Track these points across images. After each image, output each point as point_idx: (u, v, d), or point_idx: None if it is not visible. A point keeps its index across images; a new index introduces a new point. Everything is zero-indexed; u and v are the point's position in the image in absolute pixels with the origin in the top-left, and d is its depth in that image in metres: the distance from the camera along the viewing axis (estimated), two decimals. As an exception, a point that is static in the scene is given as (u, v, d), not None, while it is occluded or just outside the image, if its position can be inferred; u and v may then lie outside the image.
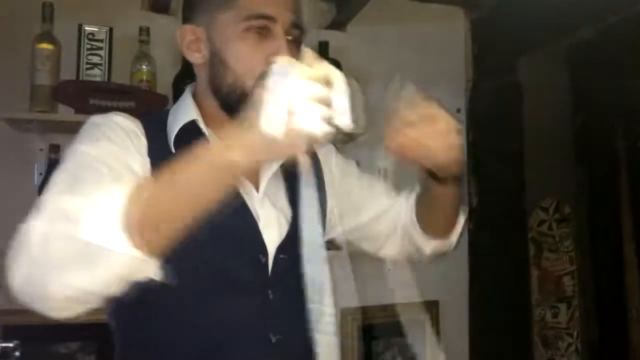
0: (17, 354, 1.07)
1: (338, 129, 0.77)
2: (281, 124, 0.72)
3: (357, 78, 0.84)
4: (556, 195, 2.28)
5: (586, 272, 2.15)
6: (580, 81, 2.27)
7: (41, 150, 1.96)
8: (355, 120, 0.79)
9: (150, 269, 0.78)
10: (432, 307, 2.30)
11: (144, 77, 1.97)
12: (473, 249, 2.35)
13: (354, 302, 1.25)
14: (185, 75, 2.05)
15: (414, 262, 1.29)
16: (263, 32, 1.02)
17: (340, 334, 2.13)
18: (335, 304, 1.13)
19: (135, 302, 0.90)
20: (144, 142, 1.00)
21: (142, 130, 1.02)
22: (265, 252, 1.04)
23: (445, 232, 1.23)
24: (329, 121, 0.75)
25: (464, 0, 2.48)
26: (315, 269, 0.95)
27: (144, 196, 0.76)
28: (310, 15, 2.36)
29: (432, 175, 1.09)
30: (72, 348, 1.90)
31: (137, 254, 0.74)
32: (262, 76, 0.78)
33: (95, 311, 1.98)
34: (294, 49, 1.04)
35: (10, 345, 1.10)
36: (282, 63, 0.77)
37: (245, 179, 1.03)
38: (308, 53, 0.81)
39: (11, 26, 1.95)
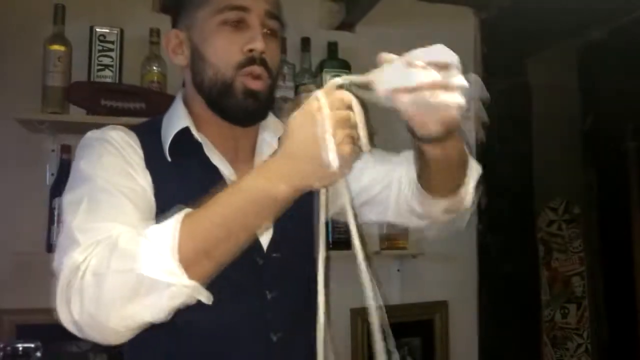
0: (38, 354, 1.08)
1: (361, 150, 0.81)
2: (341, 151, 0.76)
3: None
4: (565, 196, 2.28)
5: (596, 273, 2.15)
6: (589, 82, 2.26)
7: (53, 150, 1.97)
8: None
9: (203, 295, 0.83)
10: (441, 308, 2.31)
11: (155, 78, 1.99)
12: (482, 249, 2.34)
13: (363, 301, 1.23)
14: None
15: (432, 227, 1.17)
16: (239, 25, 1.02)
17: (350, 333, 2.15)
18: (327, 302, 1.07)
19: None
20: (140, 154, 1.02)
21: (138, 143, 1.03)
22: (262, 254, 1.04)
23: (453, 190, 1.06)
24: (355, 143, 0.80)
25: (473, 1, 2.48)
26: (307, 266, 0.97)
27: (195, 228, 0.80)
28: (319, 16, 2.38)
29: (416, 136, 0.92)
30: (84, 347, 1.91)
31: (194, 284, 0.79)
32: (296, 105, 0.82)
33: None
34: (271, 39, 1.06)
35: (32, 345, 1.11)
36: (315, 92, 0.80)
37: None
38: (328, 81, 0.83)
39: (23, 28, 1.97)
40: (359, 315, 2.10)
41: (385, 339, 1.03)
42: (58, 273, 0.86)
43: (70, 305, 0.82)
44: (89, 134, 1.07)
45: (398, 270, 2.29)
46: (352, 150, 0.78)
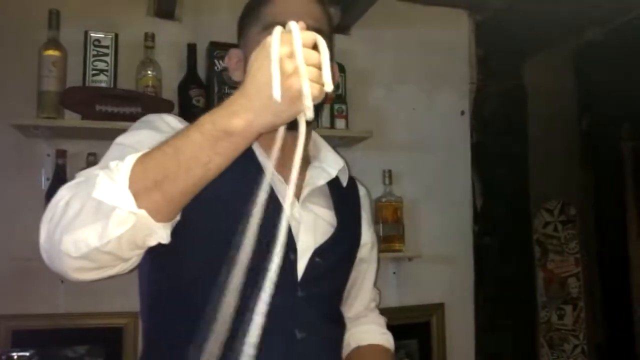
0: (34, 362, 1.08)
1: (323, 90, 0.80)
2: (279, 86, 0.76)
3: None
4: (561, 197, 2.28)
5: (592, 274, 2.15)
6: (585, 83, 2.27)
7: (48, 155, 1.97)
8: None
9: (158, 232, 0.84)
10: (438, 310, 2.31)
11: (150, 83, 1.98)
12: (478, 251, 2.35)
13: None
14: (190, 81, 2.07)
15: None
16: None
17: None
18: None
19: (166, 299, 1.02)
20: None
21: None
22: (295, 250, 1.08)
23: None
24: (318, 82, 0.78)
25: (468, 3, 2.48)
26: (342, 269, 1.08)
27: (150, 159, 0.82)
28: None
29: None
30: (80, 352, 1.91)
31: (141, 213, 0.80)
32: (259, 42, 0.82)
33: (102, 316, 2.00)
34: None
35: (27, 354, 1.11)
36: (277, 31, 0.79)
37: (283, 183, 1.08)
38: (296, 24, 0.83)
39: (18, 33, 1.97)
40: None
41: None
42: None
43: (41, 232, 0.86)
44: (148, 115, 1.14)
45: (394, 272, 2.29)
46: (302, 85, 0.76)
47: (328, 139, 1.34)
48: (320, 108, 0.90)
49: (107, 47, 1.98)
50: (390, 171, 2.24)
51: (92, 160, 1.94)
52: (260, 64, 0.78)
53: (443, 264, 2.29)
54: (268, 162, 1.05)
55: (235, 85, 2.08)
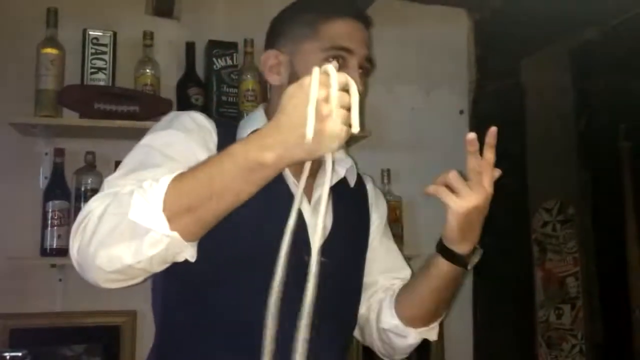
0: (26, 362, 1.08)
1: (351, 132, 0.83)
2: (312, 127, 0.79)
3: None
4: (560, 196, 2.28)
5: (590, 273, 2.14)
6: (583, 82, 2.26)
7: (46, 154, 1.97)
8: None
9: (187, 251, 0.90)
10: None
11: (148, 81, 1.98)
12: (477, 250, 2.34)
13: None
14: (188, 79, 2.07)
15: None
16: (340, 63, 1.11)
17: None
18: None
19: (178, 295, 1.06)
20: (214, 138, 1.10)
21: (215, 129, 1.11)
22: (309, 253, 1.07)
23: (425, 322, 1.22)
24: (348, 124, 0.82)
25: (466, 2, 2.48)
26: (353, 272, 1.15)
27: (184, 184, 0.86)
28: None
29: (446, 252, 1.13)
30: (78, 351, 1.91)
31: (174, 235, 0.85)
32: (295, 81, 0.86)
33: (100, 314, 1.99)
34: (364, 78, 1.17)
35: (19, 354, 1.12)
36: (316, 74, 0.82)
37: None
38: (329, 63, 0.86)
39: (16, 31, 1.97)
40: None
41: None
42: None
43: (74, 243, 0.90)
44: (174, 112, 1.18)
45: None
46: (334, 127, 0.80)
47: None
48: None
49: (105, 45, 1.98)
50: (389, 170, 2.24)
51: (90, 159, 1.94)
52: (297, 103, 0.81)
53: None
54: (289, 171, 1.11)
55: (234, 84, 2.09)
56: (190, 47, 2.09)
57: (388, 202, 2.20)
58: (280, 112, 0.84)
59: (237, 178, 0.85)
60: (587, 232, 2.18)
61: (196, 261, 0.93)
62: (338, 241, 1.14)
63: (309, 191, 1.15)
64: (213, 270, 1.03)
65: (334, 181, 1.18)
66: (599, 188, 2.19)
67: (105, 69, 1.97)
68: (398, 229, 2.17)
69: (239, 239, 1.02)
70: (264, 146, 0.83)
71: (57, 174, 1.92)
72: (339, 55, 1.12)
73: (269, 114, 1.17)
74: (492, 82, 2.45)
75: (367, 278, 1.28)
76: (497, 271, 2.25)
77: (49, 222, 1.86)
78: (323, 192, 0.87)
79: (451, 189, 1.06)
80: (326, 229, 1.14)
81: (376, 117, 2.28)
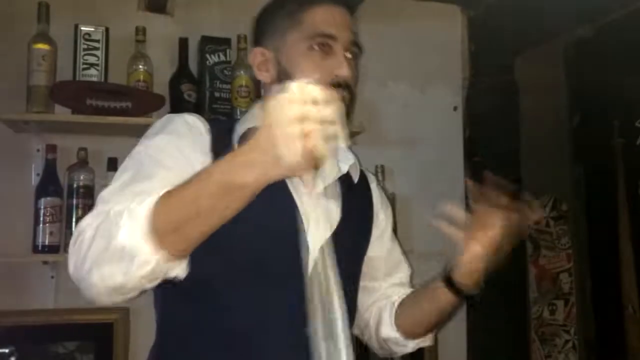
0: (12, 359, 1.08)
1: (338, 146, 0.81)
2: (296, 146, 0.76)
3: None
4: (553, 193, 2.28)
5: (583, 269, 2.16)
6: (576, 79, 2.27)
7: (38, 150, 1.96)
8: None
9: (175, 268, 0.90)
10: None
11: (141, 77, 1.97)
12: (470, 246, 2.34)
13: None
14: (181, 75, 2.06)
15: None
16: (325, 50, 1.13)
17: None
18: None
19: (179, 294, 1.04)
20: (207, 138, 1.09)
21: (207, 129, 1.10)
22: (307, 250, 1.10)
23: (424, 334, 1.30)
24: (332, 139, 0.79)
25: (461, -2, 2.48)
26: (352, 269, 1.15)
27: (171, 203, 0.86)
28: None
29: (452, 286, 1.21)
30: (70, 348, 1.90)
31: (162, 257, 0.86)
32: (268, 99, 0.83)
33: (93, 312, 1.98)
34: (352, 65, 1.17)
35: (6, 351, 1.12)
36: (291, 86, 0.79)
37: (300, 182, 1.11)
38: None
39: (7, 27, 1.95)
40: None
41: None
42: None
43: (70, 260, 0.92)
44: (168, 115, 1.16)
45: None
46: (314, 145, 0.77)
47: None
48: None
49: (97, 41, 1.97)
50: (382, 167, 2.24)
51: (83, 155, 1.93)
52: (276, 120, 0.78)
53: (435, 259, 2.28)
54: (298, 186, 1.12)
55: (227, 80, 2.08)
56: (183, 43, 2.08)
57: (382, 198, 2.21)
58: (260, 130, 0.82)
59: (220, 197, 0.84)
60: (580, 228, 2.19)
61: (195, 263, 0.93)
62: (346, 233, 1.15)
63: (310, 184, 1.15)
64: (213, 271, 1.03)
65: (336, 177, 1.20)
66: (592, 185, 2.20)
67: (97, 64, 1.96)
68: (391, 224, 2.16)
69: (239, 240, 1.02)
70: (244, 165, 0.82)
71: (49, 170, 1.91)
72: (323, 42, 1.13)
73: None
74: (486, 78, 2.45)
75: (373, 282, 1.31)
76: (490, 267, 2.25)
77: (41, 218, 1.85)
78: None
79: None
80: (334, 220, 1.15)
81: (370, 113, 2.28)
